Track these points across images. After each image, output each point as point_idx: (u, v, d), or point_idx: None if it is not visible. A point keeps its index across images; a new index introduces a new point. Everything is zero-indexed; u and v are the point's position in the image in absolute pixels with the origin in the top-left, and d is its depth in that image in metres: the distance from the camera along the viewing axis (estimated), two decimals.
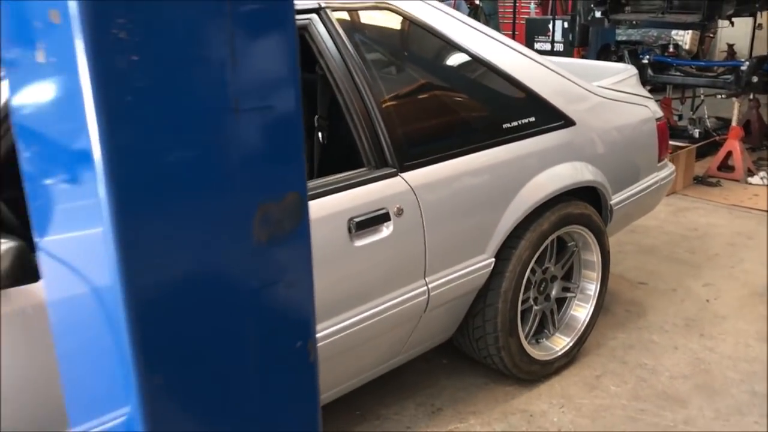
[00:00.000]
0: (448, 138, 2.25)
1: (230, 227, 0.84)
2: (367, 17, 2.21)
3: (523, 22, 9.20)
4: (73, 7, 0.67)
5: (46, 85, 0.77)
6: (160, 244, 0.78)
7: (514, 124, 2.39)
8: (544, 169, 2.44)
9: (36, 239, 0.93)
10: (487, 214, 2.29)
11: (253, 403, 0.91)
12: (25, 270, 1.33)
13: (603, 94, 2.79)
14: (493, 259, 2.33)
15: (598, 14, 5.58)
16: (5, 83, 1.47)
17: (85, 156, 0.73)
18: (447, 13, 2.42)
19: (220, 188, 0.81)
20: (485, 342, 2.46)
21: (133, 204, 0.74)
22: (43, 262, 0.93)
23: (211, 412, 0.86)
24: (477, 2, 8.97)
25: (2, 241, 1.32)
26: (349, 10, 2.12)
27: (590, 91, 2.73)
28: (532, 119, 2.44)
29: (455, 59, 2.40)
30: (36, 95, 0.80)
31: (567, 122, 2.55)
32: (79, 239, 0.82)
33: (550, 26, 8.23)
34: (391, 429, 2.38)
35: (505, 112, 2.41)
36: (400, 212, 2.02)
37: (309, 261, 0.93)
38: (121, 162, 0.72)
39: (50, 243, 0.90)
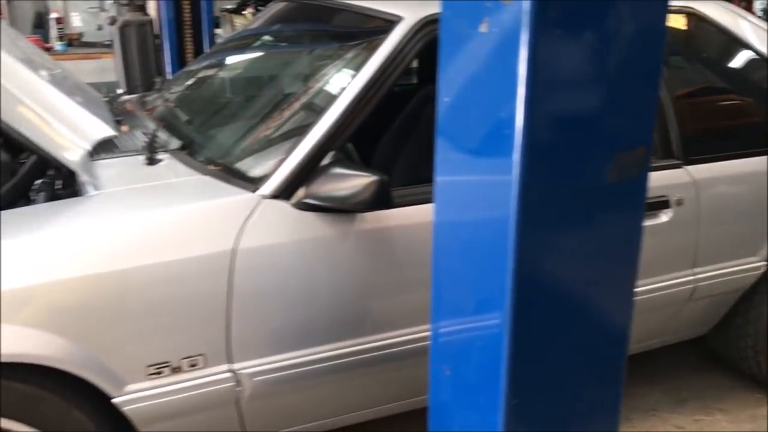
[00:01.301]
0: (735, 139, 2.34)
1: (592, 167, 1.11)
2: (671, 19, 2.36)
3: None
4: None
5: (483, 50, 1.09)
6: (546, 184, 1.07)
7: None
8: None
9: (437, 177, 1.26)
10: (764, 217, 2.34)
11: (586, 319, 1.18)
12: (382, 199, 1.72)
13: None
14: (765, 263, 2.37)
15: None
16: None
17: (505, 112, 1.03)
18: (746, 19, 2.49)
19: (593, 138, 1.08)
20: (744, 344, 2.50)
21: (538, 159, 1.03)
22: (440, 194, 1.26)
23: (557, 319, 1.15)
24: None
25: (366, 174, 1.72)
26: None
27: None
28: None
29: (751, 64, 2.46)
30: (470, 58, 1.12)
31: None
32: (478, 182, 1.14)
33: None
34: (637, 406, 2.53)
35: None
36: (680, 202, 2.16)
37: (643, 204, 1.17)
38: (536, 120, 1.01)
39: (449, 182, 1.23)
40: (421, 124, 2.65)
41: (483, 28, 1.08)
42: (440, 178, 1.25)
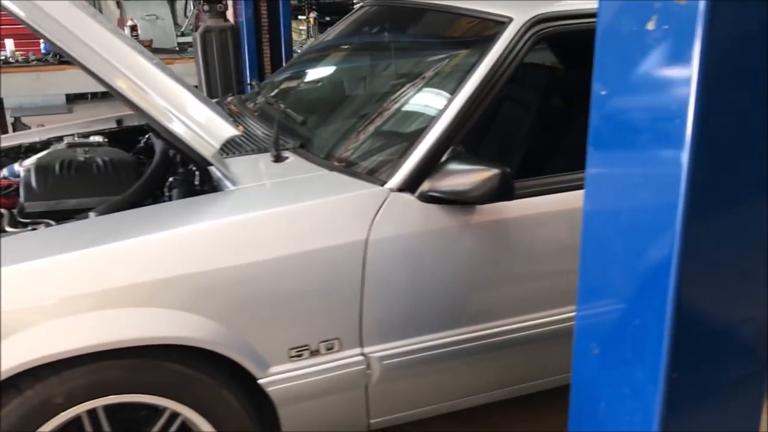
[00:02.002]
0: None
1: (755, 157, 1.18)
2: None
3: None
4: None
5: (650, 46, 1.17)
6: (713, 173, 1.14)
7: None
8: None
9: (590, 168, 1.34)
10: None
11: (741, 296, 1.26)
12: (504, 190, 1.80)
13: None
14: None
15: None
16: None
17: (676, 104, 1.11)
18: None
19: (756, 128, 1.16)
20: None
21: (707, 149, 1.10)
22: (593, 184, 1.34)
23: (714, 295, 1.23)
24: None
25: (489, 167, 1.80)
26: None
27: None
28: None
29: None
30: (634, 54, 1.21)
31: None
32: (640, 171, 1.22)
33: None
34: None
35: None
36: None
37: None
38: (707, 110, 1.08)
39: (603, 172, 1.31)
40: (500, 123, 2.74)
41: (650, 25, 1.16)
42: (594, 169, 1.33)
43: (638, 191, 1.25)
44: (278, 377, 1.75)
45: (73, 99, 9.95)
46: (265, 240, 1.72)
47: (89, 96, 10.28)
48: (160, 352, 1.65)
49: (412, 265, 1.84)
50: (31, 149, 2.72)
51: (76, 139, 2.51)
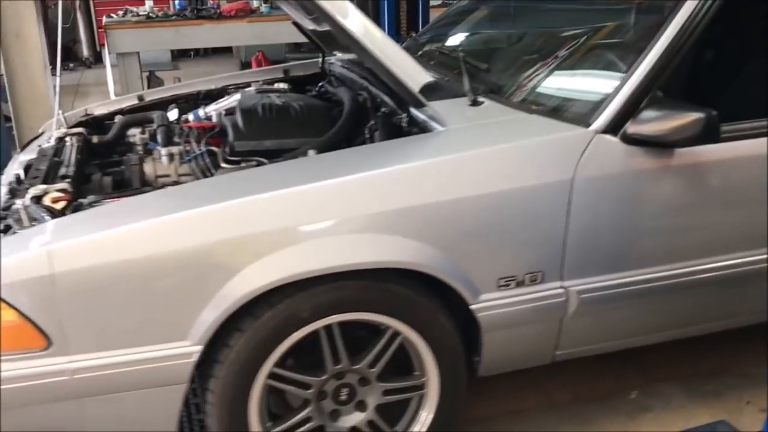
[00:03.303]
0: None
1: None
2: None
3: None
4: None
5: None
6: None
7: None
8: None
9: None
10: None
11: None
12: (711, 133, 1.86)
13: None
14: None
15: None
16: None
17: None
18: None
19: None
20: None
21: None
22: None
23: None
24: None
25: (695, 110, 1.85)
26: None
27: None
28: None
29: None
30: None
31: None
32: None
33: None
34: None
35: None
36: None
37: None
38: None
39: None
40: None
41: None
42: None
43: None
44: (487, 304, 1.88)
45: (177, 56, 10.34)
46: (480, 176, 1.84)
47: (192, 53, 10.68)
48: (389, 275, 1.80)
49: (613, 205, 1.93)
50: (208, 96, 2.92)
51: (262, 86, 2.68)
